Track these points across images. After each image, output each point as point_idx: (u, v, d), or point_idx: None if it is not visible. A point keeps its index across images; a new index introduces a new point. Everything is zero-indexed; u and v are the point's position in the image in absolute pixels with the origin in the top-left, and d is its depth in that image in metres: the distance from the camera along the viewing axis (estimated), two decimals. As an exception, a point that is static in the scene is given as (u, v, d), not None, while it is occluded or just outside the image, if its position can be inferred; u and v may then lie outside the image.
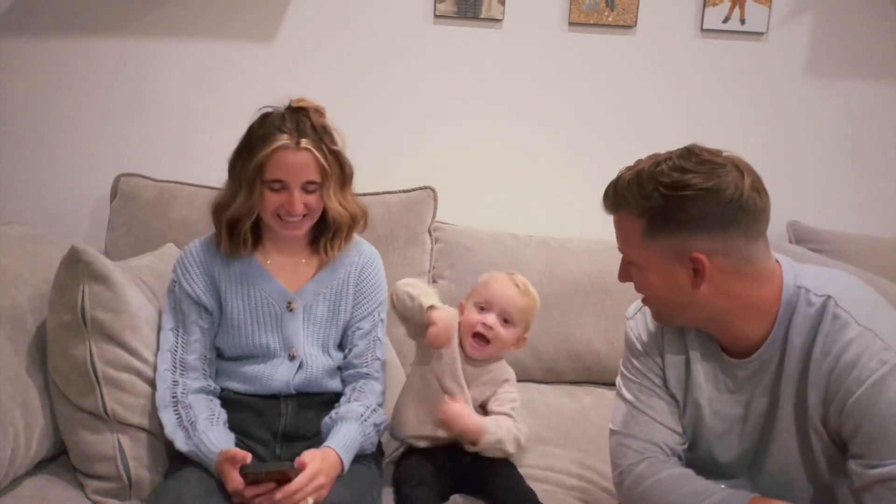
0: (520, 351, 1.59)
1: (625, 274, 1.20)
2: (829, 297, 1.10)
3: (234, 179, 1.44)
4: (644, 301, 1.23)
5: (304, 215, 1.44)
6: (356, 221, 1.52)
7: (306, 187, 1.42)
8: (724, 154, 1.11)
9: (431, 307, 1.44)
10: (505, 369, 1.55)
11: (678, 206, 1.07)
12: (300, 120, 1.41)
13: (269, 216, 1.44)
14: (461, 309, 1.53)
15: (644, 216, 1.10)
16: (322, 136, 1.42)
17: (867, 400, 1.03)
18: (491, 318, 1.47)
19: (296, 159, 1.39)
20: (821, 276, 1.15)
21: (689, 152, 1.10)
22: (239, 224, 1.45)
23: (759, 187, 1.09)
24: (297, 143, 1.39)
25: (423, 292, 1.48)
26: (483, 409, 1.51)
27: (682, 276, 1.10)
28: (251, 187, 1.41)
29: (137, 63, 2.11)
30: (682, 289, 1.11)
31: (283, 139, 1.38)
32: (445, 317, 1.45)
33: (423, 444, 1.48)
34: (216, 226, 1.48)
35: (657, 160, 1.11)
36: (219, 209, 1.47)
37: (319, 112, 1.45)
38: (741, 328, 1.14)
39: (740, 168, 1.08)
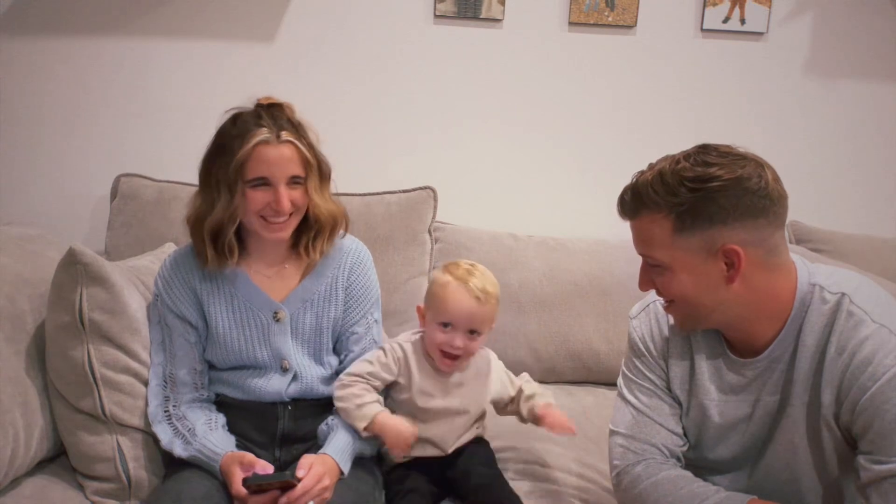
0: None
1: (647, 281, 1.17)
2: (843, 294, 1.10)
3: (209, 186, 1.36)
4: (668, 308, 1.20)
5: (291, 213, 1.37)
6: (338, 222, 1.46)
7: (291, 182, 1.35)
8: (738, 149, 1.11)
9: (366, 428, 1.36)
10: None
11: (707, 198, 1.07)
12: (276, 114, 1.36)
13: (253, 218, 1.37)
14: (420, 313, 1.47)
15: (672, 213, 1.09)
16: (299, 129, 1.37)
17: (881, 397, 1.03)
18: (459, 340, 1.38)
19: (278, 153, 1.33)
20: (833, 274, 1.15)
21: (706, 148, 1.11)
22: (222, 233, 1.37)
23: (777, 177, 1.10)
24: (278, 136, 1.33)
25: (352, 417, 1.37)
26: (498, 404, 1.51)
27: (714, 271, 1.09)
28: (231, 190, 1.33)
29: (137, 63, 2.11)
30: (714, 287, 1.10)
31: (263, 133, 1.32)
32: (390, 431, 1.35)
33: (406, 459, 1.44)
34: (196, 240, 1.40)
35: (675, 159, 1.11)
36: (198, 221, 1.38)
37: (291, 108, 1.40)
38: (755, 327, 1.14)
39: (758, 160, 1.09)
